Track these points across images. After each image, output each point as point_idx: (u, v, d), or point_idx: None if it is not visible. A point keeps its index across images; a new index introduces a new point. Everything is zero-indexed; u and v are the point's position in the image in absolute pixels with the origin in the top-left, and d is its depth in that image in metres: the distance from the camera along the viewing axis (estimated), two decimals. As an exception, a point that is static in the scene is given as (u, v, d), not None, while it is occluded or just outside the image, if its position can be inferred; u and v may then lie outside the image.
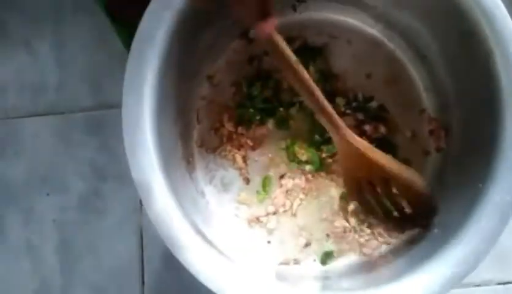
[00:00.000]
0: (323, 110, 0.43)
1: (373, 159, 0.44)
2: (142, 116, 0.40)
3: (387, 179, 0.45)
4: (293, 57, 0.40)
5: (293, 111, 0.52)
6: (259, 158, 0.52)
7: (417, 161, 0.51)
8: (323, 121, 0.44)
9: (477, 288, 0.55)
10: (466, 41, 0.43)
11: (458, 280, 0.37)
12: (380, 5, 0.50)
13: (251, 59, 0.53)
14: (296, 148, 0.51)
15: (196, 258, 0.38)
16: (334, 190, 0.50)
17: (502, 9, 0.40)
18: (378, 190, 0.46)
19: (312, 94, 0.42)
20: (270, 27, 0.39)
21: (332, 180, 0.51)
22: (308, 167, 0.51)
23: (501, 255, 0.55)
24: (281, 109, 0.52)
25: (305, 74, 0.41)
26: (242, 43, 0.53)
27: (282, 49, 0.40)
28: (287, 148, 0.51)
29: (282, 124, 0.52)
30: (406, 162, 0.49)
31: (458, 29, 0.43)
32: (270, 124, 0.52)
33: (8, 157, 0.60)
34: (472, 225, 0.38)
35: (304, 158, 0.51)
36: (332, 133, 0.45)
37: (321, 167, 0.50)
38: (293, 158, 0.51)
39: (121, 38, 0.56)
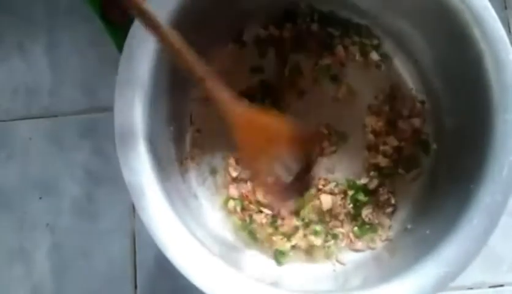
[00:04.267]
0: (204, 82, 0.39)
1: (267, 121, 0.42)
2: (134, 119, 0.40)
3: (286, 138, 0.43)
4: (162, 24, 0.36)
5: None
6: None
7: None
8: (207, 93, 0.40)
9: (469, 291, 0.55)
10: (456, 44, 0.43)
11: (449, 280, 0.37)
12: (372, 10, 0.51)
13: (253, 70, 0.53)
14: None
15: (190, 261, 0.38)
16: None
17: (492, 12, 0.41)
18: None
19: (187, 63, 0.37)
20: None
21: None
22: None
23: (493, 258, 0.55)
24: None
25: (176, 42, 0.36)
26: (236, 47, 0.54)
27: (150, 16, 0.35)
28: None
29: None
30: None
31: (448, 32, 0.44)
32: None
33: (0, 160, 0.60)
34: (463, 226, 0.38)
35: None
36: (220, 109, 0.40)
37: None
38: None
39: (115, 42, 0.56)
